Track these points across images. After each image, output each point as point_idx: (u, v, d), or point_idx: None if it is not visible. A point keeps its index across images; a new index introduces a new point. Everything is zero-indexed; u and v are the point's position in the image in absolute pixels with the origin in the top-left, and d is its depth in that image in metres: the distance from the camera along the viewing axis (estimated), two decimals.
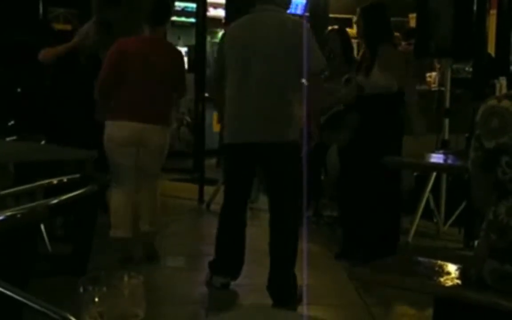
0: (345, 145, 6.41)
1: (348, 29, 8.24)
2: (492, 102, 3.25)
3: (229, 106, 5.15)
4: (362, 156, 6.15)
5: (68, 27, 9.80)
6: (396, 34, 10.94)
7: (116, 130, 5.80)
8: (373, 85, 6.08)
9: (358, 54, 8.06)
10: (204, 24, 9.14)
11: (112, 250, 5.93)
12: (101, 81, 5.89)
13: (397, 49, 6.18)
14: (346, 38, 7.78)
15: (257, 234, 5.87)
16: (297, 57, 4.86)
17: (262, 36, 5.01)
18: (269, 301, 4.97)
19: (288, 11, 5.53)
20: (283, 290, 5.00)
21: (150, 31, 5.97)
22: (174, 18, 10.31)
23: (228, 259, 5.38)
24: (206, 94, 8.75)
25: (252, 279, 5.48)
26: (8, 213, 2.71)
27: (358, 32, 6.43)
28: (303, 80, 5.03)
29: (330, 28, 8.52)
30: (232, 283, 5.40)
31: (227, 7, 8.36)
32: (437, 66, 9.16)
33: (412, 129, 6.27)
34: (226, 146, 5.27)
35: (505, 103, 3.21)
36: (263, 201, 8.27)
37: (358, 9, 6.38)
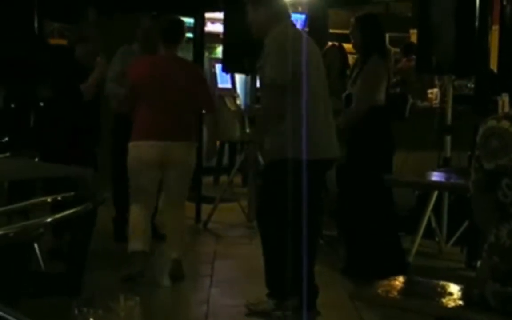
0: (342, 162, 6.41)
1: (347, 45, 8.26)
2: (491, 122, 3.25)
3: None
4: (354, 172, 6.15)
5: (63, 42, 9.83)
6: (396, 50, 11.00)
7: (137, 150, 5.88)
8: (355, 97, 6.12)
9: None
10: (202, 39, 9.16)
11: (108, 270, 5.93)
12: (121, 103, 6.09)
13: (382, 63, 6.13)
14: (345, 55, 7.77)
15: (254, 253, 5.86)
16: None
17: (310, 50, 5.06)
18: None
19: None
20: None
21: (165, 50, 6.00)
22: None
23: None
24: (203, 111, 8.76)
25: (247, 300, 5.46)
26: (1, 232, 2.70)
27: (353, 43, 6.41)
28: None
29: (329, 44, 8.55)
30: (231, 303, 5.38)
31: (225, 22, 8.38)
32: (437, 83, 9.18)
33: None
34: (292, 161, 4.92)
35: (504, 123, 3.22)
36: None
37: (352, 20, 6.37)
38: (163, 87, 5.88)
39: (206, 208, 8.41)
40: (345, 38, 7.84)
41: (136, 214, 5.98)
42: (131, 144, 5.91)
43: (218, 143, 11.01)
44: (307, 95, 4.88)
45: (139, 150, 5.86)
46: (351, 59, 8.69)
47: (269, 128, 5.00)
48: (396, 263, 5.99)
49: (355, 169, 6.15)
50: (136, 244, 5.90)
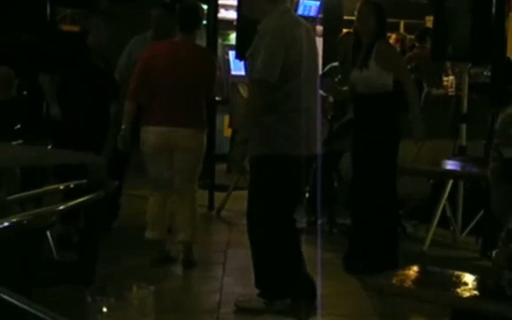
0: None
1: None
2: (510, 110, 3.24)
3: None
4: (361, 160, 6.12)
5: (75, 28, 9.85)
6: (411, 37, 10.96)
7: (148, 135, 5.93)
8: (370, 81, 6.06)
9: None
10: (215, 26, 9.14)
11: (121, 258, 5.96)
12: (131, 88, 6.01)
13: (392, 45, 6.14)
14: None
15: None
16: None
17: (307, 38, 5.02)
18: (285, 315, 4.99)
19: (302, 14, 5.57)
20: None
21: (181, 36, 6.01)
22: None
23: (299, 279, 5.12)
24: (217, 98, 8.74)
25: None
26: (14, 219, 2.72)
27: (362, 27, 6.35)
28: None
29: (344, 31, 8.51)
30: (243, 291, 5.39)
31: (239, 8, 8.36)
32: (450, 70, 9.13)
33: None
34: (280, 157, 4.95)
35: None
36: None
37: (362, 4, 6.31)
38: (174, 73, 5.90)
39: (219, 195, 8.41)
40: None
41: (153, 201, 6.09)
42: (142, 129, 5.96)
43: (231, 130, 11.05)
44: (294, 90, 4.87)
45: (149, 135, 5.91)
46: None
47: (254, 123, 4.95)
48: (389, 255, 5.97)
49: (361, 156, 6.11)
50: (153, 232, 6.06)
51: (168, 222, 6.21)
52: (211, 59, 6.39)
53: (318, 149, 5.11)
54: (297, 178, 4.94)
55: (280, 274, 5.03)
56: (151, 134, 5.91)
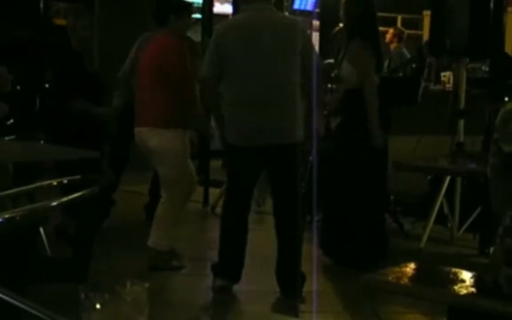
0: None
1: None
2: (510, 105, 3.26)
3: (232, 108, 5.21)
4: (346, 157, 6.14)
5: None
6: (408, 31, 10.97)
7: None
8: (344, 79, 6.13)
9: None
10: (210, 20, 9.14)
11: (115, 255, 5.96)
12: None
13: (364, 45, 6.08)
14: None
15: (264, 239, 5.87)
16: (293, 56, 5.03)
17: (259, 36, 5.06)
18: (275, 308, 4.98)
19: (298, 8, 5.60)
20: (289, 284, 5.21)
21: (157, 31, 6.00)
22: None
23: (229, 262, 5.41)
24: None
25: (258, 286, 5.48)
26: (7, 215, 2.71)
27: (343, 24, 6.41)
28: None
29: (338, 27, 8.51)
30: (238, 289, 5.40)
31: (234, 2, 8.37)
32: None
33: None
34: (230, 147, 5.27)
35: None
36: (270, 205, 8.29)
37: (343, 1, 6.39)
38: (140, 70, 5.94)
39: (214, 192, 8.41)
40: None
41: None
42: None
43: None
44: (235, 84, 5.12)
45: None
46: None
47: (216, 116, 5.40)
48: (378, 248, 6.02)
49: (347, 154, 6.13)
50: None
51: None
52: (177, 53, 5.89)
53: (272, 139, 5.09)
54: (246, 167, 5.22)
55: (222, 255, 5.38)
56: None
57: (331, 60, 7.79)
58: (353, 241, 6.05)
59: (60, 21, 10.32)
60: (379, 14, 6.91)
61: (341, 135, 6.25)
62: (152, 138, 5.80)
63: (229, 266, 5.39)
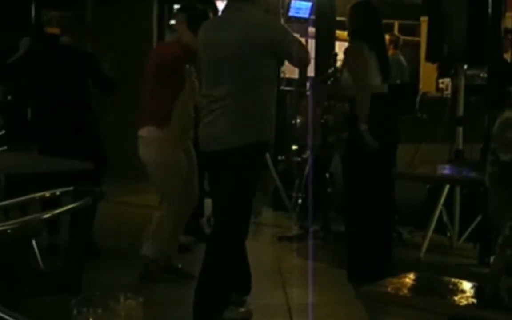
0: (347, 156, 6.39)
1: None
2: (507, 113, 3.26)
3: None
4: (357, 166, 6.10)
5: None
6: (405, 37, 11.00)
7: None
8: (345, 86, 6.13)
9: None
10: None
11: (108, 268, 5.94)
12: None
13: (361, 46, 6.06)
14: None
15: (259, 250, 5.87)
16: (262, 56, 4.74)
17: (226, 38, 4.82)
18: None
19: (293, 15, 5.57)
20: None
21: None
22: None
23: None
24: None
25: (255, 298, 5.47)
26: None
27: (348, 31, 6.40)
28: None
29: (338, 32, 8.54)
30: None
31: None
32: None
33: None
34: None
35: None
36: (266, 216, 8.30)
37: (348, 7, 6.38)
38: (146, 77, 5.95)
39: (209, 202, 8.39)
40: None
41: None
42: None
43: None
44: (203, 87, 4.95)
45: None
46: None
47: None
48: (383, 263, 5.97)
49: (357, 163, 6.10)
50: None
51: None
52: (164, 54, 5.97)
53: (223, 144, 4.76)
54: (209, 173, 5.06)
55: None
56: None
57: (331, 70, 7.80)
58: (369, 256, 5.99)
59: (52, 30, 10.32)
60: None
61: (351, 145, 6.19)
62: (141, 146, 5.80)
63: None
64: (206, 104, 4.80)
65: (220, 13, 5.22)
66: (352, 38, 6.19)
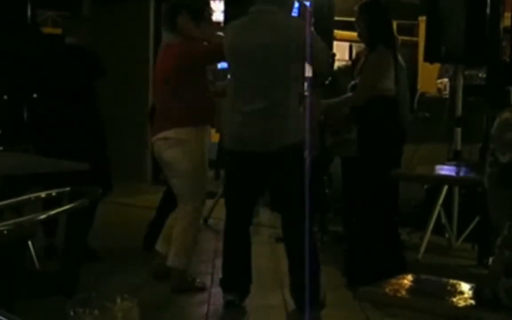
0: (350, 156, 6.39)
1: (353, 33, 8.24)
2: (506, 114, 3.26)
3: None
4: (362, 167, 6.10)
5: (58, 31, 9.83)
6: (403, 37, 10.99)
7: None
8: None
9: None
10: None
11: (105, 270, 5.94)
12: None
13: (387, 52, 6.07)
14: None
15: (256, 251, 5.85)
16: (294, 60, 5.04)
17: (259, 40, 5.05)
18: None
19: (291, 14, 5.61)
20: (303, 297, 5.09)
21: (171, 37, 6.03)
22: None
23: (233, 276, 5.43)
24: None
25: (252, 300, 5.47)
26: None
27: (358, 32, 6.37)
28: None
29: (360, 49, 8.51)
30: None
31: (226, 11, 8.39)
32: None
33: None
34: (227, 153, 5.33)
35: None
36: (263, 216, 8.30)
37: (356, 8, 6.34)
38: (156, 77, 5.90)
39: (206, 203, 8.40)
40: (351, 26, 7.83)
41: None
42: None
43: (219, 135, 11.04)
44: (231, 91, 5.23)
45: None
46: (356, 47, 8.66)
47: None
48: (395, 263, 5.96)
49: (363, 163, 6.10)
50: (161, 244, 6.15)
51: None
52: (184, 54, 5.89)
53: (256, 145, 5.09)
54: (239, 172, 5.23)
55: (225, 267, 5.43)
56: None
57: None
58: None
59: (48, 30, 10.33)
60: None
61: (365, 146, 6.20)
62: (164, 146, 5.78)
63: (235, 280, 5.42)
64: (248, 108, 5.04)
65: (249, 16, 5.26)
66: (372, 43, 6.13)
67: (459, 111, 7.27)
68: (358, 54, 7.86)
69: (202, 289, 5.82)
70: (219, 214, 8.23)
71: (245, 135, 5.09)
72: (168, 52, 5.84)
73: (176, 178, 5.81)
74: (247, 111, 5.06)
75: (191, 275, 5.92)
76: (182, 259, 5.78)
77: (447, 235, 7.35)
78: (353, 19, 6.55)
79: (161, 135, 5.75)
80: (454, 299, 3.51)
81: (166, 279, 5.86)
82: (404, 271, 5.51)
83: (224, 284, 5.44)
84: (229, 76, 5.39)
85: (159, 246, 6.12)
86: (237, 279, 5.41)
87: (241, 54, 5.12)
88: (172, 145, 5.70)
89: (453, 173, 6.18)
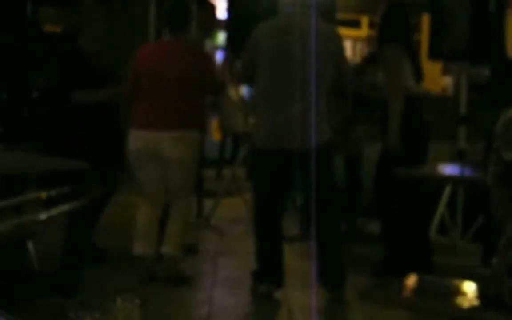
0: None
1: (354, 31, 8.25)
2: (511, 112, 3.26)
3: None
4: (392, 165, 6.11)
5: (59, 29, 9.84)
6: None
7: (131, 140, 5.90)
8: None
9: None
10: None
11: (106, 271, 5.95)
12: (123, 92, 6.03)
13: (401, 54, 6.07)
14: None
15: None
16: (327, 64, 5.35)
17: (289, 43, 5.29)
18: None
19: None
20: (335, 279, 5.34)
21: (170, 36, 6.00)
22: None
23: (269, 268, 5.60)
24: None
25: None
26: None
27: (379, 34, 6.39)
28: None
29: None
30: (235, 303, 5.41)
31: (228, 29, 8.41)
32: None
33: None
34: (260, 152, 5.52)
35: None
36: None
37: (380, 6, 6.35)
38: (157, 74, 5.87)
39: (208, 202, 8.41)
40: (353, 23, 7.85)
41: (141, 213, 6.01)
42: (129, 133, 5.94)
43: (220, 134, 11.07)
44: (264, 89, 5.46)
45: (131, 139, 5.88)
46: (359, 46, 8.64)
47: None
48: (423, 262, 5.96)
49: (393, 162, 6.09)
50: (138, 247, 5.96)
51: (156, 237, 6.03)
52: (200, 55, 6.19)
53: (293, 144, 5.29)
54: (273, 171, 5.47)
55: (261, 261, 5.59)
56: (134, 139, 5.87)
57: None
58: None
59: (49, 28, 10.33)
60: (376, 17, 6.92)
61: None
62: (174, 143, 5.83)
63: (271, 271, 5.59)
64: (286, 108, 5.28)
65: (282, 18, 5.53)
66: (386, 41, 6.15)
67: (463, 109, 7.27)
68: (370, 53, 7.89)
69: (188, 279, 5.98)
70: (220, 214, 8.25)
71: (282, 133, 5.32)
72: (177, 51, 5.97)
73: (180, 175, 5.90)
74: (284, 111, 5.30)
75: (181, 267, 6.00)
76: (177, 247, 5.93)
77: (451, 235, 7.33)
78: (355, 16, 6.54)
79: (175, 134, 5.83)
80: (458, 299, 3.52)
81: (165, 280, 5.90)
82: (432, 270, 5.55)
83: (261, 276, 5.59)
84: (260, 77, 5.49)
85: (142, 248, 6.02)
86: (273, 270, 5.57)
87: (277, 57, 5.33)
88: (188, 146, 5.87)
89: (457, 173, 6.18)
